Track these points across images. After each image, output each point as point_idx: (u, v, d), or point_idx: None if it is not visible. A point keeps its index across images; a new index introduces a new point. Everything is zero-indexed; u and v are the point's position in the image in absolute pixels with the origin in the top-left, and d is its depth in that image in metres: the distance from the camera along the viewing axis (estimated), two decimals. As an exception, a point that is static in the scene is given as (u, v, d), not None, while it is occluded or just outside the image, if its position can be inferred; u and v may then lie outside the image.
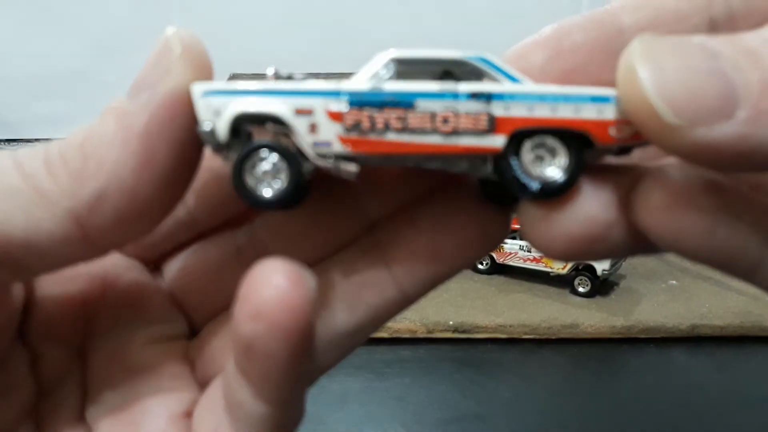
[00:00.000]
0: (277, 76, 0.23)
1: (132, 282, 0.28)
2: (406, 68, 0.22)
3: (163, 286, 0.29)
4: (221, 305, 0.28)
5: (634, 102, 0.19)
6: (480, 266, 0.77)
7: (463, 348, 0.66)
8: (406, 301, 0.26)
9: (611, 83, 0.22)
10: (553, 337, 0.67)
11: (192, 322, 0.29)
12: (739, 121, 0.18)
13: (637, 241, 0.22)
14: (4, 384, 0.24)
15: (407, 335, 0.66)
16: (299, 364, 0.20)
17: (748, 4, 0.23)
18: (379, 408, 0.58)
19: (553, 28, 0.24)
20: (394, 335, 0.66)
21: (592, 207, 0.22)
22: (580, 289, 0.72)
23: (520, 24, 1.09)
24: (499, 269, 0.77)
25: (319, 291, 0.23)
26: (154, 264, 0.29)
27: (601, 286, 0.72)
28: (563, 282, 0.74)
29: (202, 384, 0.27)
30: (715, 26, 0.23)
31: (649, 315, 0.68)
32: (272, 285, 0.19)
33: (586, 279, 0.71)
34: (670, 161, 0.23)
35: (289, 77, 0.23)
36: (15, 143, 1.23)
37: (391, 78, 0.22)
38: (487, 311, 0.69)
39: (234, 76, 0.93)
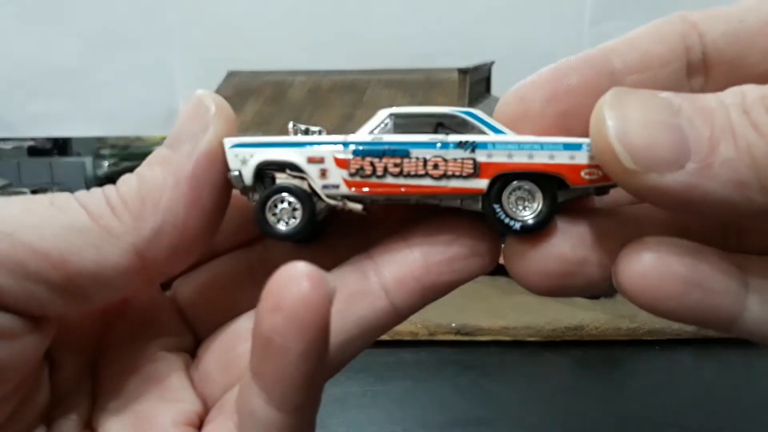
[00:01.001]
0: (296, 130, 0.27)
1: (147, 297, 0.30)
2: (403, 121, 0.26)
3: (173, 300, 0.31)
4: (229, 320, 0.30)
5: (600, 146, 0.22)
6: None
7: (466, 351, 0.65)
8: (397, 315, 0.27)
9: None
10: (558, 340, 0.66)
11: (198, 336, 0.31)
12: (688, 172, 0.21)
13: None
14: (29, 390, 0.26)
15: (408, 338, 0.65)
16: (312, 363, 0.22)
17: (720, 54, 0.26)
18: (380, 412, 0.57)
19: (550, 70, 0.27)
20: (395, 337, 0.65)
21: (563, 246, 0.25)
22: (585, 291, 0.71)
23: (523, 19, 1.08)
24: (503, 270, 0.75)
25: None
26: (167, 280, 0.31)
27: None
28: (567, 283, 0.72)
29: (201, 398, 0.28)
30: (692, 70, 0.26)
31: (655, 317, 0.67)
32: (295, 282, 0.21)
33: (591, 280, 0.70)
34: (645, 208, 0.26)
35: (306, 131, 0.27)
36: (10, 141, 1.22)
37: (389, 130, 0.26)
38: (490, 313, 0.68)
39: (230, 74, 0.93)
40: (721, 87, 0.25)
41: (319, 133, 0.27)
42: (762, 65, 0.25)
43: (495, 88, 0.99)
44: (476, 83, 0.89)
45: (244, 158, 0.25)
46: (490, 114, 0.27)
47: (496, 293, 0.72)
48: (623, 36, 0.27)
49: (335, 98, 0.87)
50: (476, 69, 0.87)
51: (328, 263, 0.28)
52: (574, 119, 0.26)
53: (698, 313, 0.23)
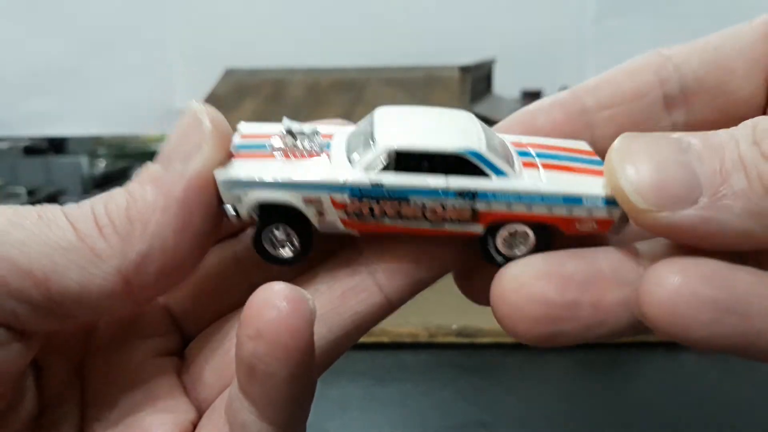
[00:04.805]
0: (288, 131, 0.26)
1: None
2: (405, 159, 0.25)
3: (159, 299, 0.30)
4: (218, 315, 0.29)
5: (612, 188, 0.23)
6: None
7: (467, 353, 0.65)
8: (389, 306, 0.27)
9: None
10: (560, 342, 0.65)
11: (186, 334, 0.30)
12: (701, 206, 0.21)
13: (634, 324, 0.23)
14: (14, 398, 0.25)
15: (409, 340, 0.65)
16: (300, 383, 0.22)
17: (700, 83, 0.26)
18: (380, 415, 0.57)
19: (521, 112, 0.28)
20: (396, 340, 0.64)
21: (546, 288, 0.23)
22: (588, 292, 0.70)
23: (525, 16, 1.08)
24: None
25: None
26: None
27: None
28: (569, 284, 0.72)
29: (195, 403, 0.28)
30: (670, 101, 0.27)
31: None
32: (274, 307, 0.21)
33: (594, 281, 0.70)
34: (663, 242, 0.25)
35: (300, 131, 0.26)
36: (6, 141, 1.21)
37: (389, 168, 0.25)
38: (491, 314, 0.67)
39: (228, 72, 0.92)
40: (705, 117, 0.26)
41: (312, 134, 0.26)
42: (744, 89, 0.26)
43: (496, 87, 0.99)
44: (477, 81, 0.88)
45: (239, 197, 0.25)
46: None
47: (497, 294, 0.72)
48: (598, 75, 0.27)
49: (334, 96, 0.86)
50: (477, 67, 0.86)
51: (317, 254, 0.28)
52: None
53: (737, 341, 0.21)
